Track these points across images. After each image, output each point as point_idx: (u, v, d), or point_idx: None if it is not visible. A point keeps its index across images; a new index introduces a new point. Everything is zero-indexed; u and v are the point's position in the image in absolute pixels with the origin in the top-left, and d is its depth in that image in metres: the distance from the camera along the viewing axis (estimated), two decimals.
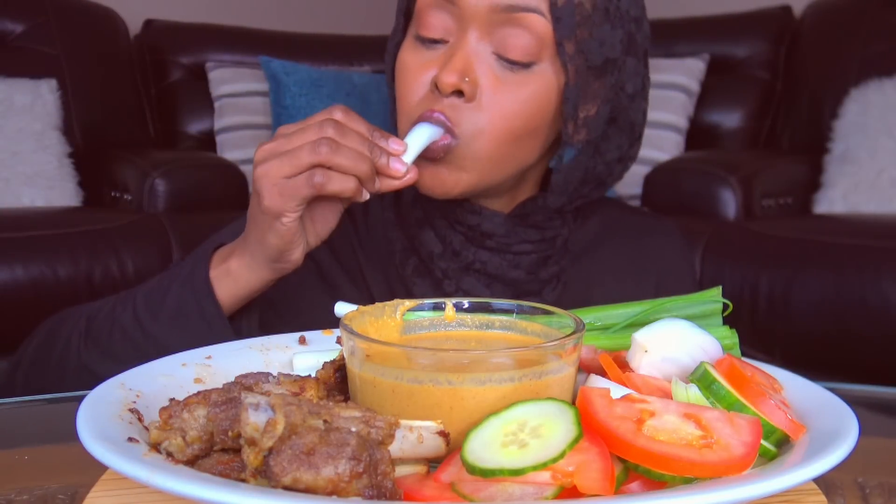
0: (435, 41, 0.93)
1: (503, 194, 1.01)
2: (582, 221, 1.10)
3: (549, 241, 1.03)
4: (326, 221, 0.90)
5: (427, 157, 0.90)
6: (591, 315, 0.73)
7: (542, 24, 0.90)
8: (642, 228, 1.15)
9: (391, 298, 1.00)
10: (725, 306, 0.74)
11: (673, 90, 2.92)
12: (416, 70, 0.94)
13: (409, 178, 0.87)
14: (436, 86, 0.91)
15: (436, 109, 0.90)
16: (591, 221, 1.11)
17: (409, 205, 1.05)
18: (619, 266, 1.10)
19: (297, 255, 0.87)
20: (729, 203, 2.39)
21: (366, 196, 0.85)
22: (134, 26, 3.16)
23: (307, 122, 0.84)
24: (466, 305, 0.70)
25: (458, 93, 0.90)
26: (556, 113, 0.95)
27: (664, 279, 1.10)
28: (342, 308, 0.76)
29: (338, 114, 0.84)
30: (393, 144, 0.86)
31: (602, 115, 0.96)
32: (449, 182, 0.93)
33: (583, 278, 1.07)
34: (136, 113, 3.07)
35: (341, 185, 0.82)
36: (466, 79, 0.90)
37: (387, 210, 1.07)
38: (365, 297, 1.03)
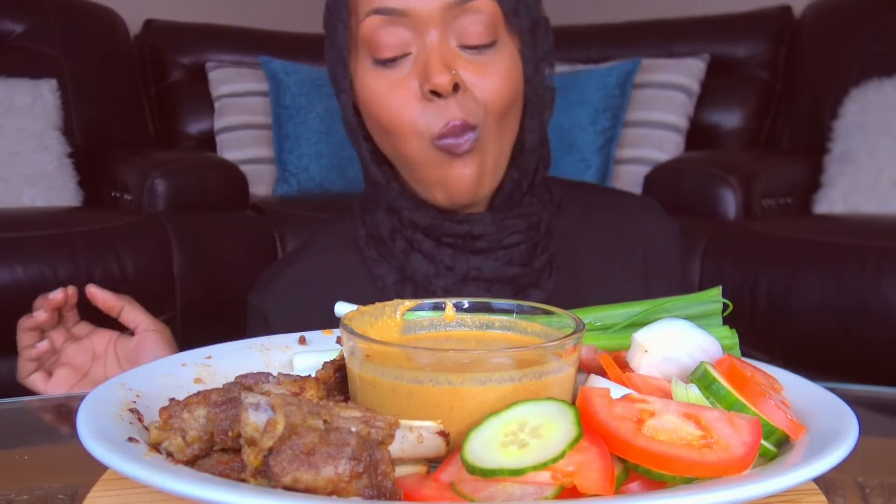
0: (394, 59, 0.95)
1: None
2: (560, 207, 1.11)
3: (535, 226, 1.05)
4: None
5: (455, 153, 0.94)
6: (590, 315, 0.73)
7: (489, 5, 0.94)
8: (622, 205, 1.16)
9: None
10: (725, 306, 0.74)
11: (673, 90, 2.92)
12: (392, 91, 0.95)
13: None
14: (431, 92, 0.92)
15: (452, 119, 0.92)
16: (570, 206, 1.12)
17: (389, 240, 1.05)
18: (605, 246, 1.11)
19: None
20: (729, 203, 2.39)
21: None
22: (134, 26, 3.16)
23: None
24: (466, 305, 0.70)
25: (454, 88, 0.93)
26: (521, 79, 0.99)
27: (651, 253, 1.11)
28: (342, 308, 0.76)
29: None
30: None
31: (541, 73, 1.01)
32: (482, 176, 0.96)
33: (572, 262, 1.08)
34: (136, 113, 3.07)
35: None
36: (454, 71, 0.93)
37: (367, 249, 1.07)
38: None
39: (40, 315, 1.06)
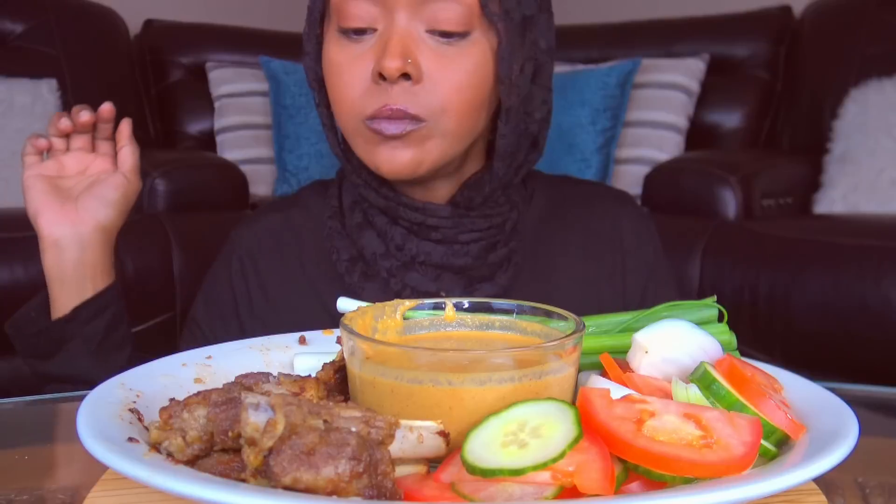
0: (360, 31, 0.92)
1: (452, 173, 1.01)
2: (530, 201, 1.09)
3: (498, 227, 1.02)
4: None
5: (384, 134, 0.91)
6: (589, 322, 0.73)
7: None
8: (593, 198, 1.13)
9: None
10: (721, 314, 0.73)
11: (673, 90, 2.92)
12: (350, 64, 0.93)
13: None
14: (379, 75, 0.90)
15: (389, 104, 0.90)
16: (540, 200, 1.10)
17: (349, 211, 1.04)
18: (575, 241, 1.08)
19: (43, 218, 1.09)
20: (729, 203, 2.39)
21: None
22: (134, 26, 3.16)
23: None
24: (466, 305, 0.70)
25: (404, 76, 0.90)
26: (494, 78, 0.95)
27: (625, 247, 1.09)
28: (345, 303, 0.76)
29: None
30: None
31: (527, 73, 0.96)
32: (416, 161, 0.94)
33: (539, 258, 1.06)
34: (135, 113, 3.07)
35: None
36: (409, 60, 0.90)
37: (331, 220, 1.06)
38: (321, 311, 1.02)
39: (40, 143, 1.09)
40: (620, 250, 1.08)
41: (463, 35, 0.91)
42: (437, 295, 0.99)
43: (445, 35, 0.91)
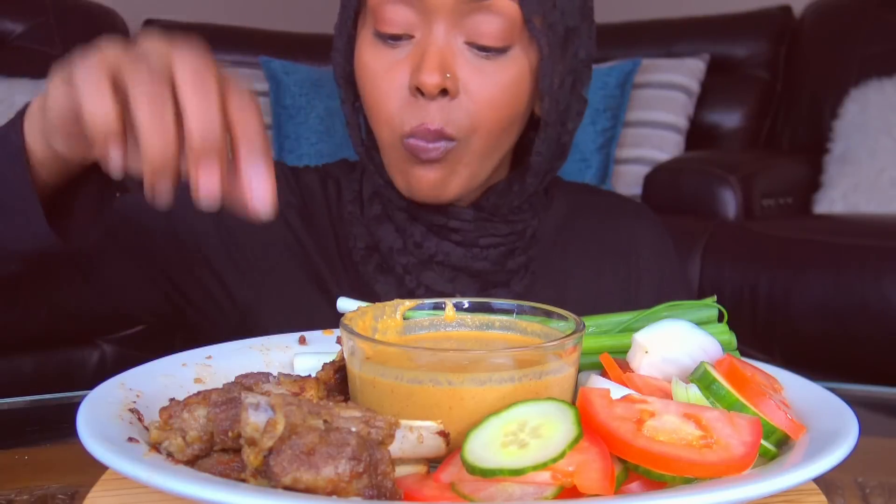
0: (397, 37, 0.90)
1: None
2: (548, 208, 1.07)
3: (518, 233, 1.01)
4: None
5: (420, 157, 0.90)
6: (589, 322, 0.73)
7: (509, 6, 0.88)
8: (611, 210, 1.12)
9: (356, 297, 1.00)
10: (721, 314, 0.73)
11: (673, 90, 2.92)
12: (385, 73, 0.90)
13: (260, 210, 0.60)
14: (417, 89, 0.88)
15: (426, 123, 0.88)
16: (556, 206, 1.08)
17: (368, 200, 1.02)
18: (590, 250, 1.07)
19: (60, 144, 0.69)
20: (729, 203, 2.39)
21: (115, 165, 0.60)
22: (134, 26, 3.16)
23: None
24: (466, 305, 0.70)
25: (441, 92, 0.88)
26: (531, 93, 0.93)
27: (640, 261, 1.08)
28: (345, 304, 0.76)
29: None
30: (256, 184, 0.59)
31: (566, 86, 0.94)
32: (446, 184, 0.92)
33: (554, 266, 1.04)
34: None
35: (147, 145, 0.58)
36: (448, 75, 0.87)
37: (351, 204, 1.03)
38: (324, 296, 1.00)
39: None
40: (636, 264, 1.07)
41: (502, 50, 0.89)
42: (452, 297, 0.98)
43: (484, 49, 0.88)
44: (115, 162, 0.60)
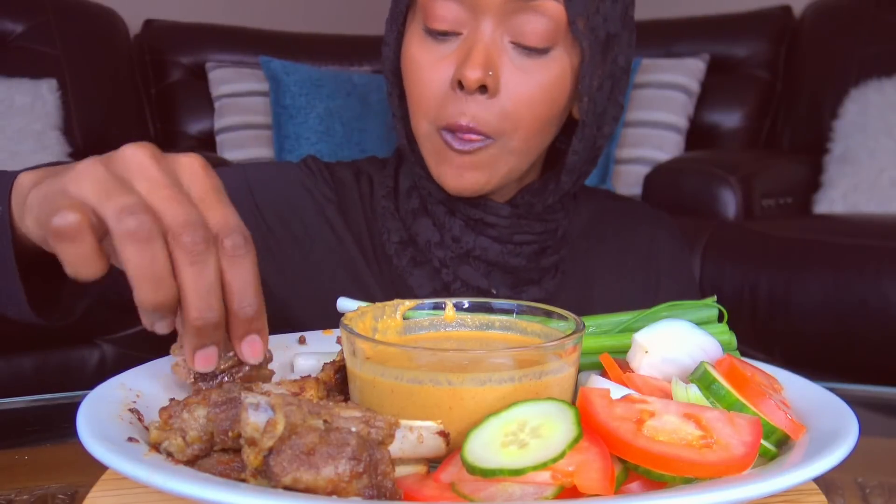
0: (445, 33, 0.92)
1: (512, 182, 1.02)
2: (574, 211, 1.10)
3: (551, 232, 1.04)
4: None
5: (453, 148, 0.92)
6: (589, 322, 0.73)
7: (555, 8, 0.90)
8: (633, 216, 1.15)
9: (387, 290, 0.99)
10: (721, 314, 0.74)
11: (673, 90, 2.92)
12: (431, 66, 0.93)
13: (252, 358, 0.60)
14: (458, 83, 0.90)
15: (462, 119, 0.90)
16: (581, 210, 1.11)
17: (405, 195, 1.04)
18: (614, 255, 1.10)
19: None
20: (729, 203, 2.39)
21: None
22: (134, 26, 3.16)
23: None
24: (466, 305, 0.70)
25: (481, 88, 0.90)
26: (570, 94, 0.96)
27: (660, 271, 1.10)
28: (345, 304, 0.76)
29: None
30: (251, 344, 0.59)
31: (605, 90, 0.97)
32: (482, 181, 0.94)
33: (580, 268, 1.07)
34: (136, 113, 3.07)
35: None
36: (490, 72, 0.90)
37: (385, 199, 1.05)
38: (360, 290, 1.01)
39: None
40: (656, 269, 1.10)
41: (545, 51, 0.91)
42: (488, 291, 1.00)
43: (528, 48, 0.91)
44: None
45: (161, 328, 0.57)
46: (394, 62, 1.00)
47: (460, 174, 0.94)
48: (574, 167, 0.99)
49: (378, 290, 1.02)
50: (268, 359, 0.63)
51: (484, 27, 0.90)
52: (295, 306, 1.00)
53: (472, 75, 0.88)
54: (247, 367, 0.62)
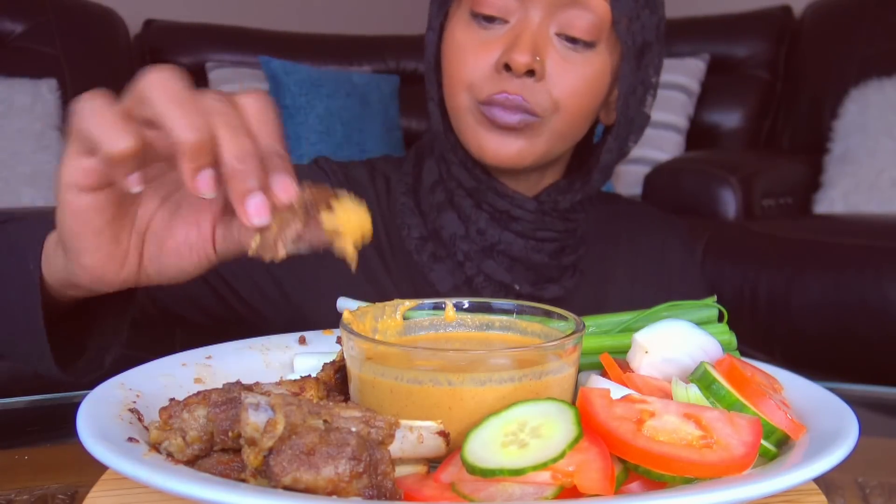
0: (491, 18, 0.94)
1: (543, 171, 1.03)
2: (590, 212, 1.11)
3: (571, 231, 1.05)
4: (179, 254, 0.64)
5: (505, 127, 0.93)
6: (589, 322, 0.73)
7: (601, 4, 0.93)
8: (644, 219, 1.17)
9: (404, 287, 0.99)
10: (721, 314, 0.74)
11: (673, 90, 2.92)
12: (476, 49, 0.95)
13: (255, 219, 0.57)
14: (505, 66, 0.92)
15: (507, 91, 0.92)
16: (596, 212, 1.12)
17: (428, 190, 1.05)
18: (628, 260, 1.11)
19: (88, 259, 0.61)
20: (729, 203, 2.39)
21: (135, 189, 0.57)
22: (134, 26, 3.16)
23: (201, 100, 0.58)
24: (466, 305, 0.70)
25: (528, 73, 0.92)
26: (608, 91, 0.98)
27: (671, 277, 1.12)
28: (345, 304, 0.76)
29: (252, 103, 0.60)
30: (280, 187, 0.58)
31: (638, 95, 0.99)
32: (524, 152, 0.95)
33: (597, 269, 1.08)
34: None
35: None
36: (537, 58, 0.92)
37: (404, 196, 1.06)
38: (376, 289, 1.01)
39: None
40: (667, 274, 1.12)
41: (589, 45, 0.94)
42: (510, 286, 1.01)
43: (573, 41, 0.93)
44: (132, 183, 0.57)
45: (205, 182, 0.56)
46: (437, 46, 1.01)
47: (502, 141, 0.95)
48: (607, 166, 1.01)
49: (393, 288, 1.02)
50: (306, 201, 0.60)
51: (532, 16, 0.93)
52: (310, 309, 1.00)
53: (521, 59, 0.91)
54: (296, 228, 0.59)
